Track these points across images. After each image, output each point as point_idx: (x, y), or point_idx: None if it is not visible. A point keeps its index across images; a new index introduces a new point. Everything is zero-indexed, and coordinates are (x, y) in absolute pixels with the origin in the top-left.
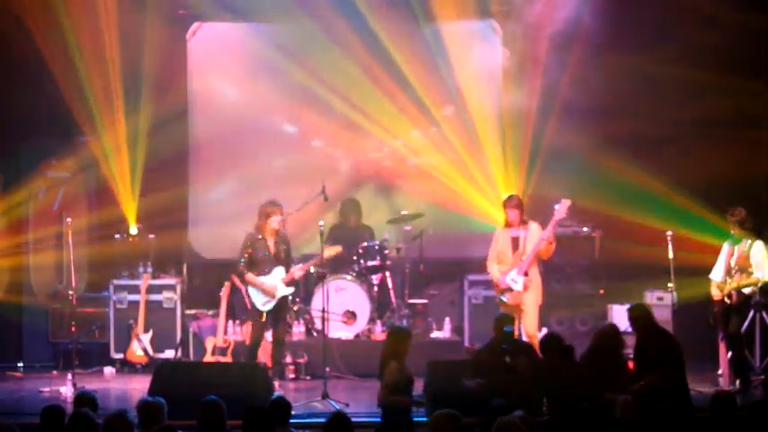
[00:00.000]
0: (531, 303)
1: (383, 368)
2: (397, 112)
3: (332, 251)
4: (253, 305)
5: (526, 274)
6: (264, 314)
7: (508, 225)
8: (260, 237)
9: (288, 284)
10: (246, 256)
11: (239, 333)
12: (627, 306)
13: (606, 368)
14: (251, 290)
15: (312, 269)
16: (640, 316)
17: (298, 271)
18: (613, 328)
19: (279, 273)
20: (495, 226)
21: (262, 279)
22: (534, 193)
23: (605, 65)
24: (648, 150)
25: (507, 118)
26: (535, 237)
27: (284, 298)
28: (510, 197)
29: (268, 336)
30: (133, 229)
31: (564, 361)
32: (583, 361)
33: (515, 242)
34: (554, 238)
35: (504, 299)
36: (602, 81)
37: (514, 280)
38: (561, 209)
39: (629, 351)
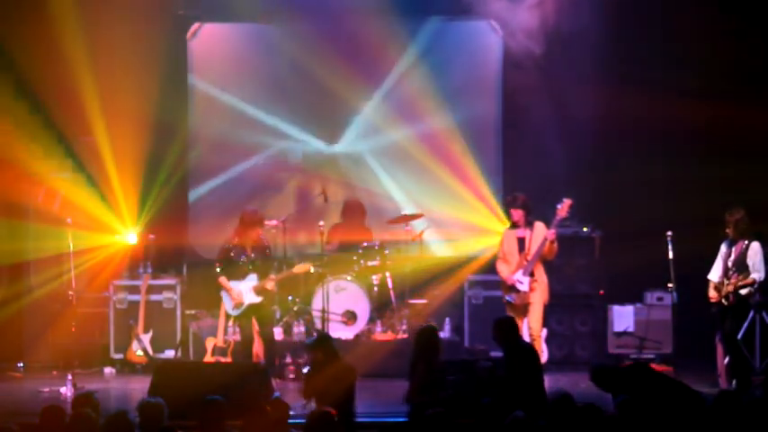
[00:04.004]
0: (536, 303)
1: (413, 368)
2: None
3: (302, 268)
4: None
5: (532, 275)
6: (233, 318)
7: (514, 225)
8: (238, 243)
9: (258, 293)
10: (223, 260)
11: (238, 333)
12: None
13: None
14: (223, 293)
15: (312, 269)
16: None
17: (269, 282)
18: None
19: (251, 280)
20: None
21: (232, 284)
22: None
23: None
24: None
25: (507, 116)
26: (540, 237)
27: (257, 303)
28: (514, 197)
29: None
30: (132, 238)
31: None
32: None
33: (521, 242)
34: (556, 237)
35: (511, 299)
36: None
37: (520, 281)
38: (563, 208)
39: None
